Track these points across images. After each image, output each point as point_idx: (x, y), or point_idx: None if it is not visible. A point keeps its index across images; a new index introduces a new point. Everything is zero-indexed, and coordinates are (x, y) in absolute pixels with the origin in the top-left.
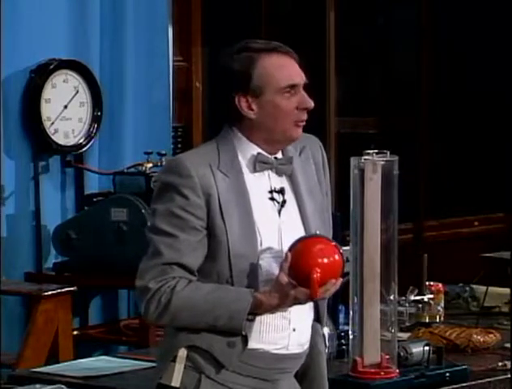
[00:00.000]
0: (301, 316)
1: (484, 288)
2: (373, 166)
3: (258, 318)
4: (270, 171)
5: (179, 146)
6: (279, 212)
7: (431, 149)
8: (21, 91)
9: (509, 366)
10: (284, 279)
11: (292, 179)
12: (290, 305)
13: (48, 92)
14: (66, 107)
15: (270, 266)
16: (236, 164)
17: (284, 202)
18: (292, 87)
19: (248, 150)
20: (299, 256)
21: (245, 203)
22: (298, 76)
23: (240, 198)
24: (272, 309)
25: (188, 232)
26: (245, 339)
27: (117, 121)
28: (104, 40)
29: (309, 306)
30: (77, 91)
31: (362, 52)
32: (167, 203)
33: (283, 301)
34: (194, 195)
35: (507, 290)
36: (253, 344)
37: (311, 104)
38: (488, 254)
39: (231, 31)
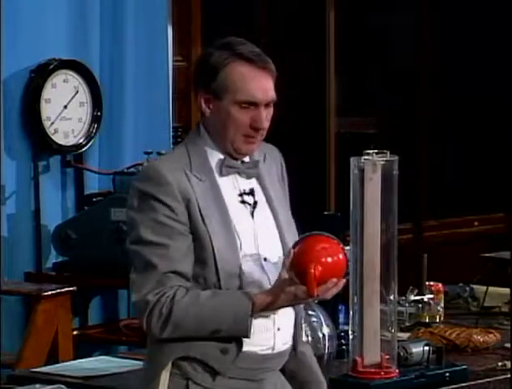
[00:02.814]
0: (285, 315)
1: (483, 288)
2: (372, 166)
3: None
4: (237, 174)
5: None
6: (252, 214)
7: (431, 149)
8: (21, 91)
9: (509, 366)
10: (285, 275)
11: (260, 181)
12: (291, 303)
13: (48, 92)
14: (65, 107)
15: (251, 268)
16: (207, 168)
17: (256, 203)
18: (251, 103)
19: (215, 153)
20: (301, 253)
21: (222, 207)
22: (262, 94)
23: (216, 201)
24: (274, 308)
25: (176, 239)
26: (239, 344)
27: (117, 121)
28: (104, 40)
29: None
30: (77, 91)
31: (362, 52)
32: (149, 213)
33: (284, 299)
34: (175, 202)
35: (507, 290)
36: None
37: (263, 125)
38: (488, 254)
39: (230, 31)
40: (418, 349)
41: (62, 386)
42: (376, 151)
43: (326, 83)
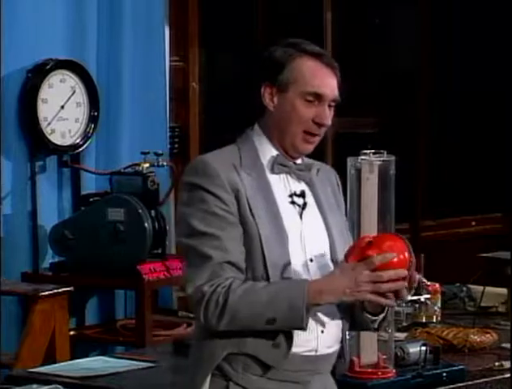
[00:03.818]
0: (330, 318)
1: (481, 288)
2: (369, 166)
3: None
4: (288, 175)
5: (176, 146)
6: (301, 215)
7: (428, 149)
8: (18, 92)
9: (506, 366)
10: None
11: (310, 186)
12: (352, 290)
13: (45, 92)
14: (62, 107)
15: (296, 266)
16: (258, 164)
17: (305, 204)
18: (317, 96)
19: (267, 151)
20: (365, 245)
21: (272, 201)
22: (328, 89)
23: (266, 196)
24: (334, 295)
25: (228, 230)
26: (290, 339)
27: (114, 122)
28: (102, 40)
29: (337, 307)
30: (74, 92)
31: (360, 52)
32: (199, 205)
33: (343, 280)
34: (224, 192)
35: (504, 290)
36: None
37: (328, 121)
38: (485, 254)
39: (228, 31)
40: (415, 349)
41: (59, 386)
42: (373, 151)
43: None
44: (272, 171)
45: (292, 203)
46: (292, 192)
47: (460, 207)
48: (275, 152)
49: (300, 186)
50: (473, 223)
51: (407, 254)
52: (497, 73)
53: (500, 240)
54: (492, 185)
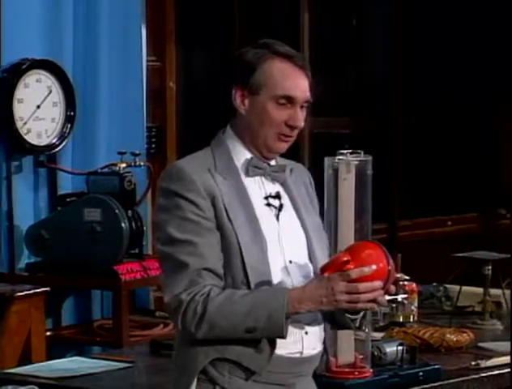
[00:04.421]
0: (312, 319)
1: (457, 287)
2: (346, 166)
3: None
4: (263, 177)
5: (153, 146)
6: (277, 217)
7: (405, 149)
8: None
9: (482, 365)
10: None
11: (285, 187)
12: (329, 300)
13: (20, 92)
14: (38, 107)
15: (276, 269)
16: (232, 168)
17: (281, 206)
18: (289, 99)
19: (241, 154)
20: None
21: (248, 205)
22: (300, 91)
23: (242, 200)
24: (312, 304)
25: (205, 236)
26: (273, 344)
27: (91, 122)
28: (78, 39)
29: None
30: (50, 91)
31: (336, 52)
32: (175, 212)
33: (319, 291)
34: (200, 198)
35: (480, 290)
36: None
37: (301, 124)
38: (461, 254)
39: (205, 30)
40: (392, 349)
41: (35, 387)
42: (350, 151)
43: None
44: (247, 174)
45: (268, 205)
46: (268, 194)
47: (436, 207)
48: (248, 155)
49: (275, 188)
50: (449, 223)
51: (385, 262)
52: (473, 74)
53: (476, 239)
54: (468, 186)
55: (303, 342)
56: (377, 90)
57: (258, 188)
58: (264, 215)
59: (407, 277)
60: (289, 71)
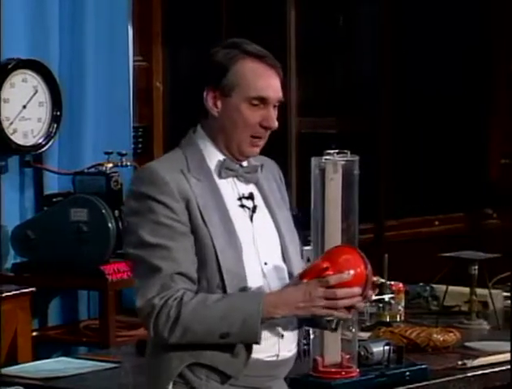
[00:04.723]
0: (289, 322)
1: (444, 287)
2: (333, 166)
3: None
4: (235, 178)
5: (140, 146)
6: (251, 218)
7: (392, 149)
8: None
9: (469, 365)
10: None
11: (258, 187)
12: (306, 306)
13: (6, 92)
14: (25, 107)
15: (251, 271)
16: (205, 169)
17: (255, 207)
18: (262, 100)
19: (213, 155)
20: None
21: (222, 207)
22: (272, 91)
23: (216, 201)
24: (288, 310)
25: (178, 240)
26: (249, 348)
27: (77, 121)
28: (64, 39)
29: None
30: (36, 91)
31: (323, 52)
32: (148, 215)
33: (296, 296)
34: (174, 201)
35: (467, 289)
36: None
37: (275, 124)
38: (448, 254)
39: (191, 30)
40: (378, 349)
41: (21, 387)
42: (337, 151)
43: (287, 83)
44: (219, 175)
45: (242, 206)
46: (241, 195)
47: (423, 206)
48: (221, 156)
49: (248, 189)
50: (436, 222)
51: (362, 267)
52: (460, 73)
53: (462, 239)
54: (455, 185)
55: (279, 345)
56: (364, 89)
57: (231, 189)
58: (238, 216)
59: (383, 280)
60: (261, 71)
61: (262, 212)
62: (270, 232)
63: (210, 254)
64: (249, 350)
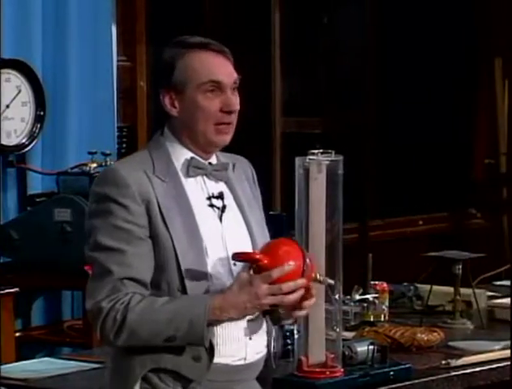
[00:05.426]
0: (256, 324)
1: (428, 287)
2: (317, 166)
3: (213, 331)
4: (205, 177)
5: (124, 146)
6: (221, 218)
7: (376, 149)
8: None
9: (452, 364)
10: (244, 274)
11: (229, 186)
12: (253, 303)
13: None
14: (8, 106)
15: (218, 273)
16: (171, 169)
17: (224, 207)
18: (215, 83)
19: (181, 154)
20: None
21: (187, 209)
22: (224, 74)
23: (180, 203)
24: (236, 311)
25: (135, 244)
26: (211, 352)
27: (61, 121)
28: (47, 39)
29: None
30: (19, 91)
31: (308, 52)
32: (107, 217)
33: (242, 296)
34: (134, 204)
35: (451, 289)
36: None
37: (236, 107)
38: (432, 254)
39: (175, 30)
40: (363, 348)
41: (4, 388)
42: (321, 150)
43: (271, 83)
44: (187, 174)
45: (211, 206)
46: (210, 194)
47: (407, 206)
48: (189, 155)
49: (218, 188)
50: (420, 222)
51: (302, 258)
52: (445, 73)
53: (446, 239)
54: (439, 185)
55: (247, 348)
56: (349, 90)
57: (200, 189)
58: (206, 216)
59: (331, 281)
60: (207, 58)
61: (233, 212)
62: (241, 231)
63: (170, 256)
64: (211, 354)
